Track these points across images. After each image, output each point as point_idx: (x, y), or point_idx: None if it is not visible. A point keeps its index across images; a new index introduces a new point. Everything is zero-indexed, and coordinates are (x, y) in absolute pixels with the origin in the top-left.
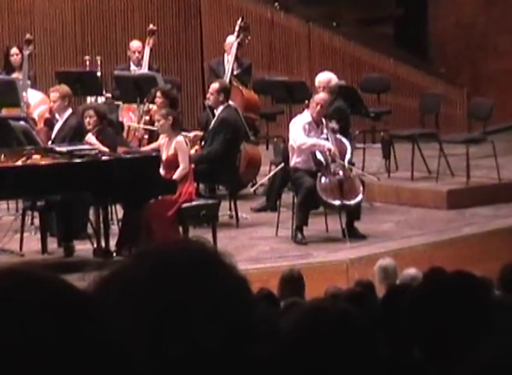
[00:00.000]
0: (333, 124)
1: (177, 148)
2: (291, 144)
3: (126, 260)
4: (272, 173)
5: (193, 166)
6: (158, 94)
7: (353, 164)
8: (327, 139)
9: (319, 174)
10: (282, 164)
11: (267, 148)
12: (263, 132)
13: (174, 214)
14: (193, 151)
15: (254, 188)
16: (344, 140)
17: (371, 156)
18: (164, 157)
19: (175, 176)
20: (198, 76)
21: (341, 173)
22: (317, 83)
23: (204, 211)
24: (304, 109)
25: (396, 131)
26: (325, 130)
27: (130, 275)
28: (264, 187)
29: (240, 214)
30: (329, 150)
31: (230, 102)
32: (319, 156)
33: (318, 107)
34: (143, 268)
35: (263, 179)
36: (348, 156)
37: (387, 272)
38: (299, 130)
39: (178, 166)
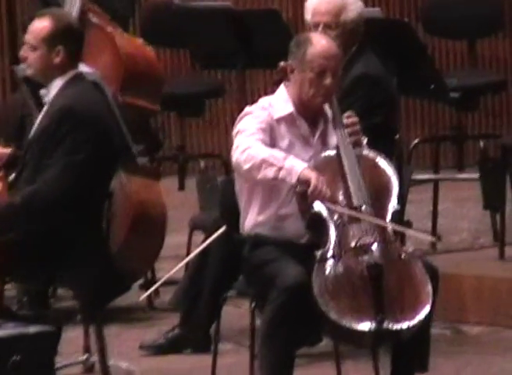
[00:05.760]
0: (351, 119)
1: None
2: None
3: None
4: (196, 252)
5: None
6: None
7: (407, 224)
8: (339, 162)
9: (319, 253)
10: (224, 227)
11: (181, 186)
12: (171, 144)
13: None
14: None
15: (149, 292)
16: (383, 162)
17: (457, 204)
18: None
19: None
20: None
21: (375, 248)
22: (310, 15)
23: (18, 355)
24: (276, 85)
25: None
26: (333, 138)
27: None
28: (178, 288)
29: (112, 361)
30: (313, 186)
31: (83, 68)
32: (318, 207)
33: (317, 76)
34: None
35: (173, 267)
36: (394, 204)
37: None
38: (249, 129)
39: None
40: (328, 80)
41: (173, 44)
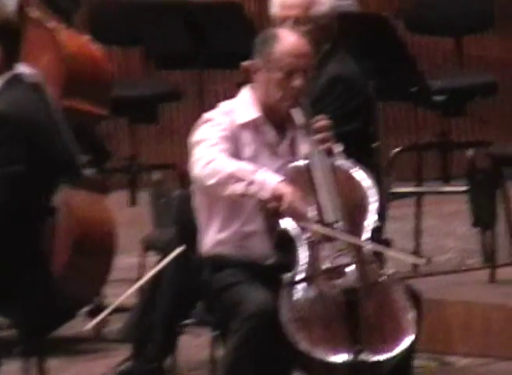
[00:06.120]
0: (323, 122)
1: None
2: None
3: None
4: (149, 275)
5: None
6: None
7: (385, 242)
8: (310, 173)
9: (287, 277)
10: (181, 247)
11: (132, 200)
12: (121, 154)
13: None
14: None
15: (97, 320)
16: (359, 173)
17: (442, 220)
18: None
19: None
20: None
21: (351, 271)
22: (277, 9)
23: None
24: (239, 87)
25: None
26: (303, 146)
27: None
28: (129, 316)
29: None
30: (288, 203)
31: (21, 69)
32: (286, 224)
33: (286, 76)
34: None
35: (124, 292)
36: (372, 220)
37: None
38: (211, 139)
39: None
40: (297, 82)
41: (124, 41)
